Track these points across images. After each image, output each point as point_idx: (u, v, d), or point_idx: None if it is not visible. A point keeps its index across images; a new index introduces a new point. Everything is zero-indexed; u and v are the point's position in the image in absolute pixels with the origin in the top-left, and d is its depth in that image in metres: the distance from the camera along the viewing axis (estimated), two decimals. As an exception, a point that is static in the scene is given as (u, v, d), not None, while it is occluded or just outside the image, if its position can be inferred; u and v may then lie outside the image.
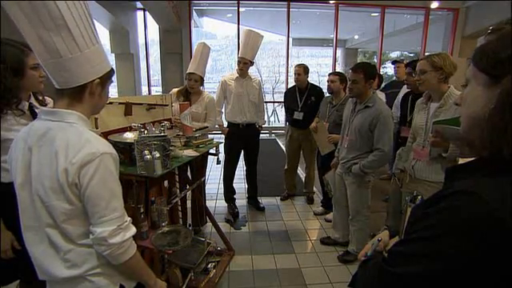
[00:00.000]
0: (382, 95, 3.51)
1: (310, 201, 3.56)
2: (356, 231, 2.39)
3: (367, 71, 2.14)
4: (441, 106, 1.77)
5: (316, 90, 3.34)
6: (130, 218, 0.91)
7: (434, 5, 7.46)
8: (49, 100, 1.49)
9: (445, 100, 1.76)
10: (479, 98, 0.54)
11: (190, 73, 2.60)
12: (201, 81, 2.65)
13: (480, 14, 7.15)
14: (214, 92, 3.37)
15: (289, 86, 6.48)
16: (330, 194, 2.64)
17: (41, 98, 1.44)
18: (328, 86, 2.98)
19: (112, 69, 0.93)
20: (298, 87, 3.33)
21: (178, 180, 2.08)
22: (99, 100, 0.92)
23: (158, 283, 1.04)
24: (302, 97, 3.30)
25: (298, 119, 3.29)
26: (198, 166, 2.38)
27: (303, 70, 3.25)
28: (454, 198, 0.48)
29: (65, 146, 0.81)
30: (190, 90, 2.61)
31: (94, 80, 0.86)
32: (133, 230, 0.91)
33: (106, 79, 0.91)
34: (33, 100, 1.38)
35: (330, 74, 3.01)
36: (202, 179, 2.39)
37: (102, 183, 0.83)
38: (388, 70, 12.11)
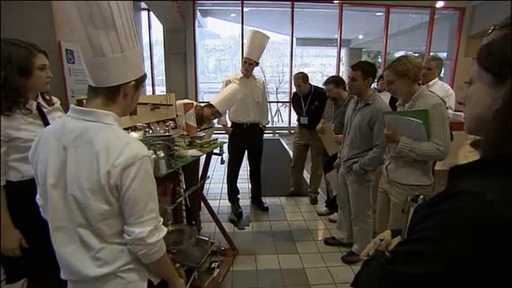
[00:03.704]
0: (387, 96, 3.48)
1: (314, 201, 3.56)
2: (359, 231, 2.38)
3: (365, 69, 2.15)
4: (410, 107, 1.77)
5: (319, 94, 3.35)
6: (162, 219, 0.93)
7: (440, 4, 7.39)
8: (55, 100, 1.50)
9: (414, 101, 1.75)
10: (484, 98, 0.53)
11: (214, 106, 2.51)
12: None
13: (486, 13, 7.08)
14: (216, 92, 3.38)
15: (292, 86, 6.46)
16: (331, 194, 2.64)
17: (48, 97, 1.45)
18: (328, 95, 3.02)
19: (145, 73, 0.96)
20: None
21: (182, 180, 2.08)
22: (131, 102, 0.93)
23: (180, 281, 1.07)
24: (306, 102, 3.36)
25: (304, 123, 3.40)
26: (205, 165, 2.38)
27: (302, 80, 3.29)
28: (459, 198, 0.48)
29: (105, 147, 0.81)
30: (206, 120, 2.58)
31: (129, 82, 0.88)
32: (165, 230, 0.93)
33: (139, 82, 0.92)
34: (40, 100, 1.40)
35: (324, 84, 3.02)
36: (202, 181, 2.39)
37: (142, 185, 0.84)
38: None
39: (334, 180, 2.60)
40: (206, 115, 2.55)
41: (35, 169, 0.90)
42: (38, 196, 0.99)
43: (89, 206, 0.83)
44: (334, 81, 2.88)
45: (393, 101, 2.52)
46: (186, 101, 2.61)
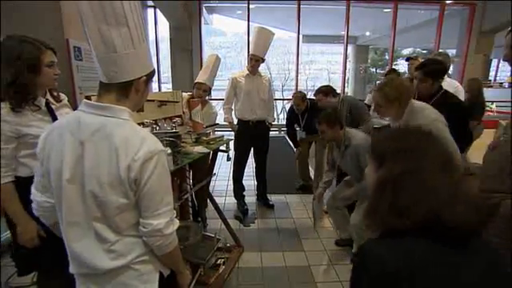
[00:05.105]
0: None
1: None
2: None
3: (329, 120, 2.25)
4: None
5: (316, 106, 3.40)
6: (175, 211, 0.95)
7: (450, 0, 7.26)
8: (63, 96, 1.52)
9: (407, 119, 1.67)
10: (370, 177, 0.75)
11: (199, 82, 2.59)
12: (209, 91, 2.67)
13: (498, 9, 6.92)
14: (223, 89, 3.38)
15: (298, 84, 6.52)
16: (315, 224, 2.65)
17: (56, 94, 1.47)
18: (319, 106, 3.06)
19: (154, 69, 0.97)
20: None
21: (188, 176, 2.09)
22: (141, 97, 0.95)
23: (187, 272, 1.10)
24: (304, 118, 3.49)
25: (303, 138, 3.55)
26: (212, 162, 2.38)
27: (301, 100, 3.42)
28: (359, 256, 0.68)
29: (124, 142, 0.83)
30: (198, 99, 2.61)
31: (141, 77, 0.90)
32: (177, 222, 0.96)
33: (149, 78, 0.94)
34: (49, 96, 1.41)
35: (315, 95, 3.10)
36: (208, 178, 2.39)
37: (160, 179, 0.87)
38: (400, 67, 11.88)
39: (318, 211, 2.67)
40: (197, 95, 2.58)
41: (46, 165, 0.90)
42: (35, 192, 0.96)
43: (107, 200, 0.84)
44: (322, 91, 2.99)
45: None
46: (190, 93, 2.64)
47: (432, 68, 2.00)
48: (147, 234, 0.88)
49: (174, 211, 0.94)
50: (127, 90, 0.89)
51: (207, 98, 2.72)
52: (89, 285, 0.94)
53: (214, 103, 2.94)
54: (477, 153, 1.99)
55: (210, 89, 2.68)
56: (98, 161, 0.83)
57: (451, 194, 0.63)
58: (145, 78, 0.91)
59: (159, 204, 0.87)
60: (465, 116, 2.04)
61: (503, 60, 1.21)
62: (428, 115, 1.61)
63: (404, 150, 0.69)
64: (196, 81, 2.63)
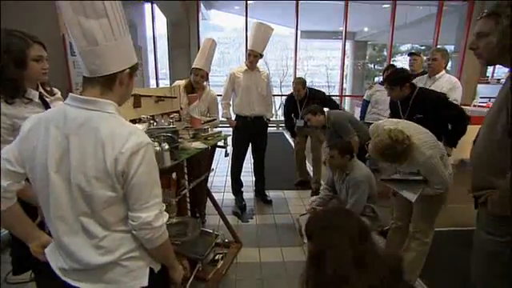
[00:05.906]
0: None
1: (314, 193, 3.55)
2: None
3: (341, 148, 2.37)
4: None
5: (316, 94, 3.47)
6: (164, 204, 0.95)
7: (449, -5, 7.23)
8: (56, 90, 1.52)
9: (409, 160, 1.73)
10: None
11: (196, 68, 2.57)
12: (206, 76, 2.64)
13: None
14: (221, 85, 3.37)
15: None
16: (302, 240, 2.62)
17: (48, 88, 1.47)
18: (311, 124, 3.07)
19: (138, 62, 0.96)
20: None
21: (186, 172, 2.09)
22: (126, 91, 0.94)
23: (180, 267, 1.09)
24: (302, 105, 3.46)
25: (300, 126, 3.51)
26: (210, 157, 2.38)
27: (302, 85, 3.42)
28: None
29: (111, 136, 0.82)
30: (195, 85, 2.59)
31: (124, 70, 0.89)
32: (167, 214, 0.95)
33: (133, 70, 0.93)
34: (41, 90, 1.40)
35: (305, 115, 3.10)
36: (206, 174, 2.39)
37: (147, 171, 0.86)
38: (398, 63, 11.85)
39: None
40: (195, 81, 2.57)
41: (31, 161, 0.87)
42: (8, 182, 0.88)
43: (94, 193, 0.83)
44: (310, 111, 3.02)
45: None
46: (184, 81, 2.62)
47: (394, 77, 2.27)
48: (136, 228, 0.88)
49: (164, 204, 0.94)
50: (111, 84, 0.88)
51: (205, 83, 2.69)
52: (79, 281, 0.93)
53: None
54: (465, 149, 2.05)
55: (208, 74, 2.65)
56: (83, 154, 0.83)
57: (359, 263, 0.71)
58: (128, 70, 0.90)
59: (148, 197, 0.87)
60: (446, 103, 2.19)
61: (469, 49, 1.22)
62: (423, 153, 1.67)
63: (323, 228, 0.81)
64: (193, 66, 2.60)
